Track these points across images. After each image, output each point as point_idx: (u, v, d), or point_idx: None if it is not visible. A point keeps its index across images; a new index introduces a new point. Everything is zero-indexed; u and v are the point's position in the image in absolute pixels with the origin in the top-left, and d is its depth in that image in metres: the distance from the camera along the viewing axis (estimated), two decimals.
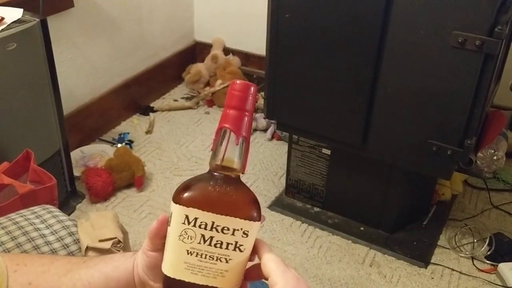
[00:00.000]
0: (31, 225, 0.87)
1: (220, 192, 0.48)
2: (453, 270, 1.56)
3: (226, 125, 0.48)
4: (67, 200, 1.73)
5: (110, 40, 2.09)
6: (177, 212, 0.48)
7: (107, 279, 0.54)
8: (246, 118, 0.49)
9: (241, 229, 0.48)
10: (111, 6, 2.03)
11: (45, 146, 1.57)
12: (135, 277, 0.54)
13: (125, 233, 1.07)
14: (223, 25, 2.48)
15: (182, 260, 0.48)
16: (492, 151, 1.41)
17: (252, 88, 0.49)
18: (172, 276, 0.48)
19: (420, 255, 1.60)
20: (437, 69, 1.26)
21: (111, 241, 0.95)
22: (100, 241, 0.93)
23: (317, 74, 1.43)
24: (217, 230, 0.47)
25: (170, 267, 0.49)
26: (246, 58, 2.46)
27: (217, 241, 0.47)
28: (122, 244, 0.96)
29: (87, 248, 0.88)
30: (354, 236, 1.67)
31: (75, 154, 1.92)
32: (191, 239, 0.47)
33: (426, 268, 1.56)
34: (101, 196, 1.77)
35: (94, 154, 1.97)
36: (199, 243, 0.47)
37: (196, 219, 0.47)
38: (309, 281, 1.51)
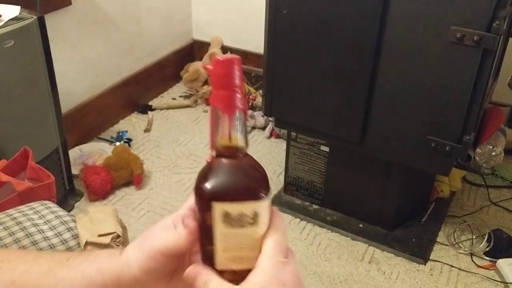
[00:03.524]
0: (29, 220, 0.87)
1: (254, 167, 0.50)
2: (452, 266, 1.56)
3: (239, 107, 0.47)
4: (65, 198, 1.72)
5: (108, 38, 2.08)
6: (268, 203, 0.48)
7: (91, 283, 0.50)
8: (238, 95, 0.47)
9: None
10: (109, 4, 2.03)
11: (43, 144, 1.57)
12: (128, 276, 0.49)
13: (124, 227, 1.06)
14: (221, 24, 2.48)
15: None
16: (491, 147, 1.41)
17: (235, 62, 0.47)
18: None
19: (419, 251, 1.60)
20: (435, 64, 1.26)
21: (111, 236, 0.95)
22: (100, 235, 0.93)
23: (315, 70, 1.43)
24: None
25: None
26: (244, 56, 2.46)
27: None
28: (121, 239, 0.96)
29: (86, 243, 0.88)
30: (353, 233, 1.66)
31: (73, 153, 1.91)
32: None
33: (425, 264, 1.56)
34: (100, 194, 1.77)
35: (92, 153, 1.97)
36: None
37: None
38: (308, 278, 1.51)
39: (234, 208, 0.45)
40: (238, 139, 0.48)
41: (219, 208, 0.45)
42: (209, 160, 0.49)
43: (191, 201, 0.51)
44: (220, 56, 0.47)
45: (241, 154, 0.49)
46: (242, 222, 0.46)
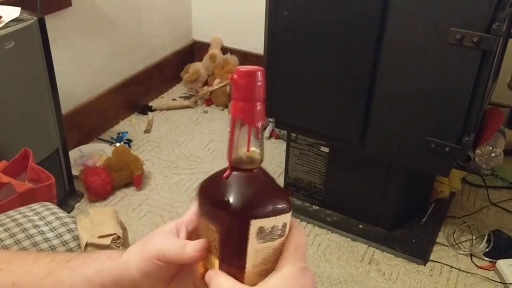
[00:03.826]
0: (30, 222, 0.87)
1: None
2: (451, 267, 1.56)
3: (259, 123, 0.47)
4: (65, 199, 1.73)
5: (108, 39, 2.09)
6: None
7: (91, 285, 0.51)
8: (260, 108, 0.47)
9: None
10: (109, 5, 2.03)
11: (43, 145, 1.57)
12: (127, 278, 0.50)
13: (124, 229, 1.07)
14: (221, 24, 2.48)
15: None
16: (490, 148, 1.42)
17: (260, 74, 0.46)
18: None
19: (419, 252, 1.60)
20: (435, 66, 1.26)
21: (111, 237, 0.95)
22: (100, 237, 0.93)
23: (315, 71, 1.43)
24: None
25: None
26: (244, 57, 2.47)
27: None
28: (121, 240, 0.96)
29: (87, 244, 0.88)
30: (353, 234, 1.67)
31: (73, 154, 1.92)
32: None
33: (425, 265, 1.57)
34: (100, 195, 1.77)
35: (92, 153, 1.97)
36: None
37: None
38: None
39: (268, 223, 0.45)
40: (258, 152, 0.48)
41: (255, 225, 0.44)
42: (227, 173, 0.47)
43: (195, 207, 0.51)
44: (244, 67, 0.46)
45: (258, 166, 0.48)
46: (273, 235, 0.45)
